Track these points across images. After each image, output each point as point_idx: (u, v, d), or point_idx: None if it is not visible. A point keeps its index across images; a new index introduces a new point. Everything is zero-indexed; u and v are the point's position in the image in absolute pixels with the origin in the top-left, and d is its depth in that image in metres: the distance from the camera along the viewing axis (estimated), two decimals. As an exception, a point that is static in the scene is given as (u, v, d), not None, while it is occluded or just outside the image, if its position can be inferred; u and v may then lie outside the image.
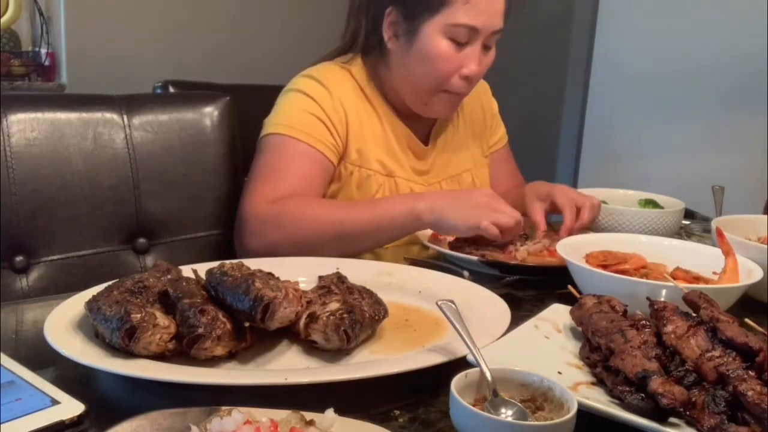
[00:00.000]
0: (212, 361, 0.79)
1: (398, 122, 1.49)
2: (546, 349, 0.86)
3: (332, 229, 1.26)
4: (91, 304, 0.83)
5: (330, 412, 0.63)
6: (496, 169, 1.67)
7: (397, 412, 0.73)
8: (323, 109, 1.39)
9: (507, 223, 1.21)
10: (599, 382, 0.78)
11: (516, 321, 0.91)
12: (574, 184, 3.44)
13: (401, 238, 1.31)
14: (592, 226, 1.41)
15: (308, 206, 1.31)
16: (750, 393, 0.67)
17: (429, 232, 1.36)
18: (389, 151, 1.46)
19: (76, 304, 0.88)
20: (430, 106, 1.43)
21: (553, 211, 1.40)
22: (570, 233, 1.31)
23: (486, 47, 1.39)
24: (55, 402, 0.69)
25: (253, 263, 0.92)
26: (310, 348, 0.85)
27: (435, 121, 1.55)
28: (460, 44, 1.35)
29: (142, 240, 1.40)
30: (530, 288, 1.14)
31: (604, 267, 1.10)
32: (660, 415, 0.68)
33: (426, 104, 1.43)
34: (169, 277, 0.90)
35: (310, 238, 1.26)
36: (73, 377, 0.76)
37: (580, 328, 0.89)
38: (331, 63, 1.50)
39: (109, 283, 0.89)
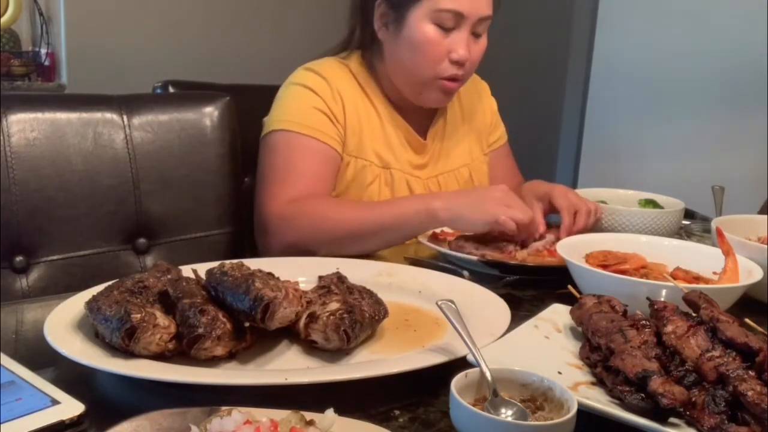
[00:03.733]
0: (212, 361, 0.79)
1: (396, 116, 1.50)
2: (546, 349, 0.86)
3: (347, 229, 1.29)
4: (91, 304, 0.83)
5: (330, 412, 0.63)
6: (495, 167, 1.68)
7: (397, 412, 0.73)
8: (324, 100, 1.42)
9: (522, 219, 1.23)
10: (599, 382, 0.78)
11: (516, 321, 0.91)
12: (574, 184, 3.44)
13: (416, 236, 1.33)
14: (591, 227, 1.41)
15: (325, 207, 1.34)
16: (750, 393, 0.67)
17: (429, 231, 1.36)
18: (386, 144, 1.48)
19: (76, 304, 0.88)
20: (424, 94, 1.45)
21: (551, 211, 1.40)
22: (569, 235, 1.32)
23: (475, 35, 1.40)
24: (55, 402, 0.69)
25: (253, 263, 0.92)
26: (310, 348, 0.85)
27: (434, 115, 1.57)
28: (446, 30, 1.37)
29: (142, 240, 1.40)
30: (530, 288, 1.14)
31: (604, 267, 1.10)
32: (660, 415, 0.68)
33: (420, 93, 1.45)
34: (169, 277, 0.90)
35: (327, 238, 1.29)
36: (73, 377, 0.76)
37: (580, 328, 0.89)
38: (330, 58, 1.52)
39: (109, 283, 0.89)
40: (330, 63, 1.50)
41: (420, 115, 1.54)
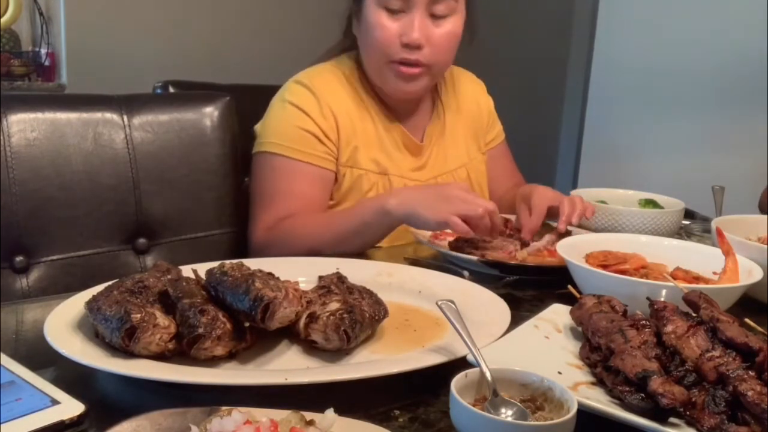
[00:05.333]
0: (212, 361, 0.79)
1: (392, 119, 1.50)
2: (546, 349, 0.86)
3: (320, 243, 1.29)
4: (91, 304, 0.83)
5: (330, 412, 0.63)
6: (493, 166, 1.68)
7: (397, 412, 0.73)
8: (312, 119, 1.41)
9: (475, 214, 1.19)
10: (599, 382, 0.78)
11: (516, 321, 0.91)
12: (574, 184, 3.44)
13: (383, 236, 1.32)
14: (588, 225, 1.41)
15: (294, 228, 1.35)
16: (750, 393, 0.67)
17: (429, 231, 1.36)
18: (383, 149, 1.47)
19: (76, 304, 0.88)
20: (387, 80, 1.44)
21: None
22: (531, 234, 1.32)
23: (434, 16, 1.38)
24: (55, 402, 0.69)
25: (253, 263, 0.92)
26: (310, 348, 0.85)
27: (430, 116, 1.56)
28: (394, 12, 1.37)
29: (142, 240, 1.40)
30: (530, 288, 1.14)
31: (604, 267, 1.09)
32: (660, 415, 0.68)
33: (384, 82, 1.45)
34: (169, 277, 0.90)
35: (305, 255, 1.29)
36: (73, 377, 0.76)
37: (580, 328, 0.89)
38: (323, 65, 1.52)
39: (109, 283, 0.89)
40: (322, 71, 1.49)
41: (416, 117, 1.54)
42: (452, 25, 1.40)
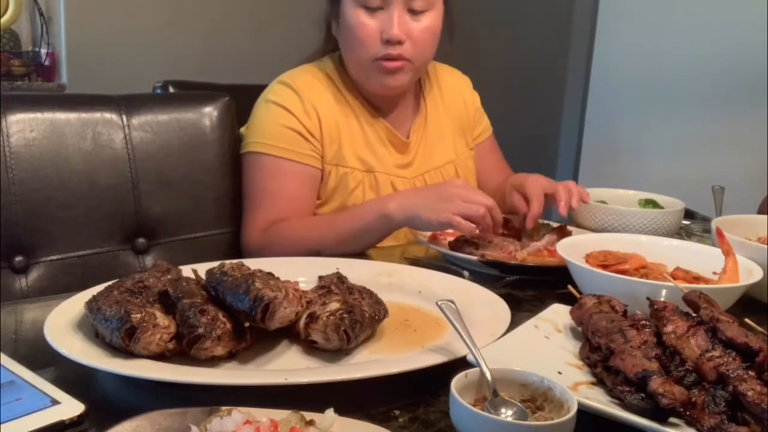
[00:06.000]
0: (212, 361, 0.79)
1: (377, 117, 1.50)
2: (546, 349, 0.86)
3: (317, 248, 1.28)
4: (91, 304, 0.83)
5: (330, 412, 0.63)
6: (482, 161, 1.67)
7: (397, 412, 0.73)
8: (297, 118, 1.41)
9: (477, 214, 1.20)
10: (599, 382, 0.78)
11: (516, 321, 0.91)
12: (574, 184, 3.43)
13: (383, 238, 1.33)
14: (589, 225, 1.41)
15: (292, 231, 1.35)
16: (750, 393, 0.67)
17: (429, 232, 1.36)
18: (368, 147, 1.47)
19: (76, 304, 0.88)
20: (371, 80, 1.44)
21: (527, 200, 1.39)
22: (534, 221, 1.33)
23: (413, 11, 1.38)
24: (55, 402, 0.69)
25: (253, 263, 0.92)
26: (310, 348, 0.85)
27: (415, 113, 1.56)
28: (373, 9, 1.37)
29: (141, 240, 1.40)
30: (530, 288, 1.14)
31: (604, 267, 1.10)
32: (660, 415, 0.68)
33: (368, 79, 1.44)
34: (169, 277, 0.90)
35: None
36: (73, 377, 0.76)
37: (580, 328, 0.89)
38: (306, 66, 1.52)
39: (109, 283, 0.89)
40: (303, 72, 1.49)
41: (401, 114, 1.53)
42: (431, 20, 1.41)
